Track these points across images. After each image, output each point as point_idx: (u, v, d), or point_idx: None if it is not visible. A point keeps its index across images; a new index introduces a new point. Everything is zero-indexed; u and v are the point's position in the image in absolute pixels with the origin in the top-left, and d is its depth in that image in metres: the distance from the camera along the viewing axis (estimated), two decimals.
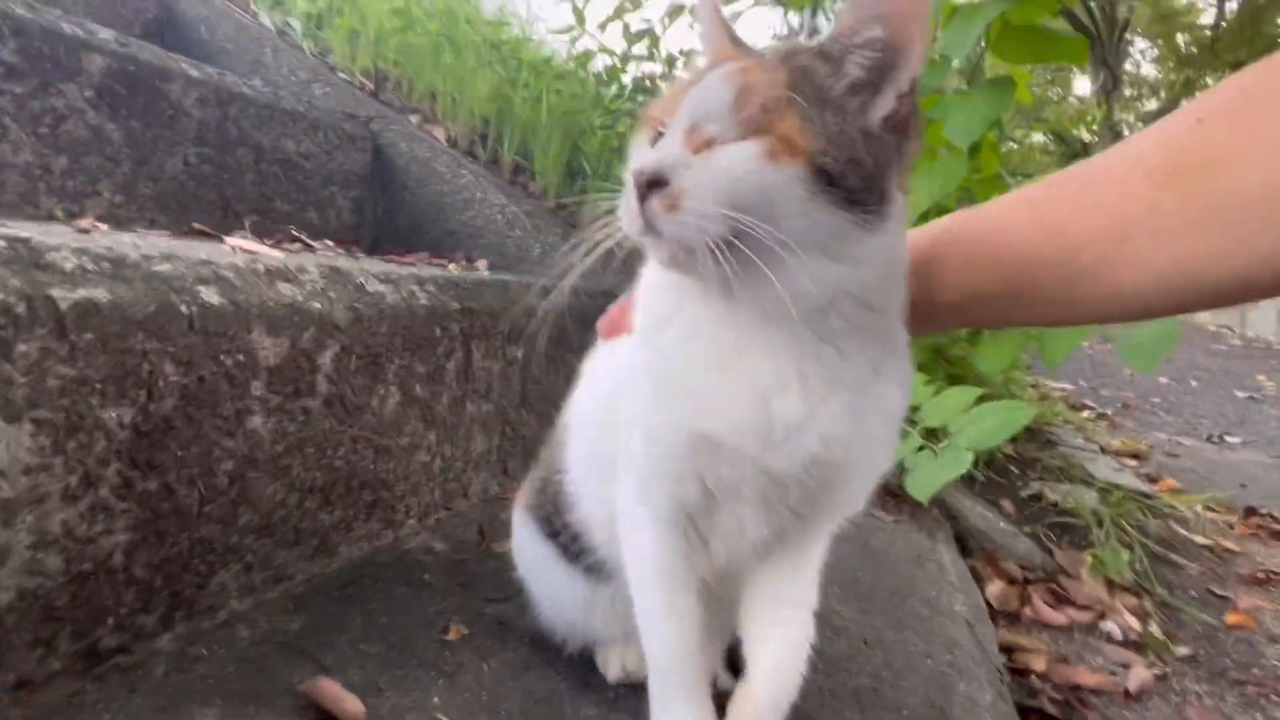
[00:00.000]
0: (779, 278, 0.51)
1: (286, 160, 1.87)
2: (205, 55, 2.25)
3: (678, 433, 0.60)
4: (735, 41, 0.62)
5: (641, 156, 0.55)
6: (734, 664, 0.79)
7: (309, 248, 1.50)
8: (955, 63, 1.71)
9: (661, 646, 0.66)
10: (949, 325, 0.72)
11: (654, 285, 0.64)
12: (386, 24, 2.49)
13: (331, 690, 0.69)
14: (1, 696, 0.61)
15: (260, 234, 1.51)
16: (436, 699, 0.74)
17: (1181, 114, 0.57)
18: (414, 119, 2.37)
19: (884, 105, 0.54)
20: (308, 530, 0.93)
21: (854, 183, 0.52)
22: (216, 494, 0.79)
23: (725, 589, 0.71)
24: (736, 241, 0.50)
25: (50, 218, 1.30)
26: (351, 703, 0.68)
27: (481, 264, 1.93)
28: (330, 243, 1.67)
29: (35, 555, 0.63)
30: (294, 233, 1.61)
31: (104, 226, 1.20)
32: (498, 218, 2.13)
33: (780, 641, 0.66)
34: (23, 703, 0.62)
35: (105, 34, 1.44)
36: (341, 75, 2.39)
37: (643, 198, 0.52)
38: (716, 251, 0.50)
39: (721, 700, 0.68)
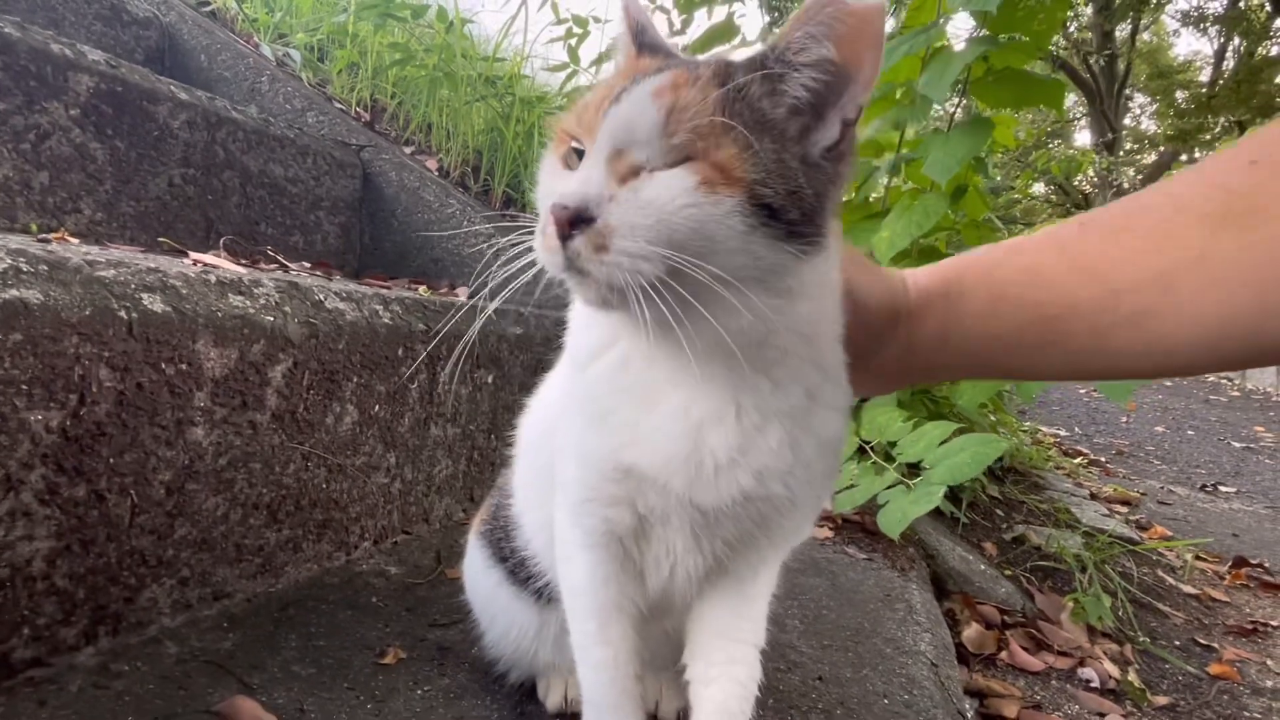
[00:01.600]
0: (716, 314, 0.47)
1: (273, 184, 1.89)
2: (204, 82, 2.30)
3: (606, 462, 0.58)
4: (653, 46, 0.57)
5: (559, 184, 0.50)
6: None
7: (285, 269, 1.51)
8: (935, 105, 1.73)
9: (594, 672, 0.64)
10: (963, 372, 0.67)
11: (584, 314, 0.61)
12: (385, 57, 2.54)
13: (249, 710, 0.67)
14: None
15: (238, 255, 1.52)
16: None
17: (1231, 156, 0.53)
18: (408, 150, 2.40)
19: (828, 134, 0.50)
20: (251, 547, 0.91)
21: (794, 215, 0.48)
22: (151, 505, 0.77)
23: (667, 619, 0.69)
24: (670, 280, 0.46)
25: (24, 231, 1.31)
26: None
27: (462, 292, 1.94)
28: (308, 265, 1.68)
29: None
30: (270, 253, 1.62)
31: (74, 241, 1.21)
32: (484, 247, 2.14)
33: (726, 680, 0.63)
34: None
35: (95, 55, 1.47)
36: (338, 105, 2.43)
37: (564, 235, 0.46)
38: (650, 290, 0.46)
39: None
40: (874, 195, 2.12)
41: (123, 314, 0.72)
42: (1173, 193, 0.54)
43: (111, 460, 0.73)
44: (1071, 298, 0.55)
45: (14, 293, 0.63)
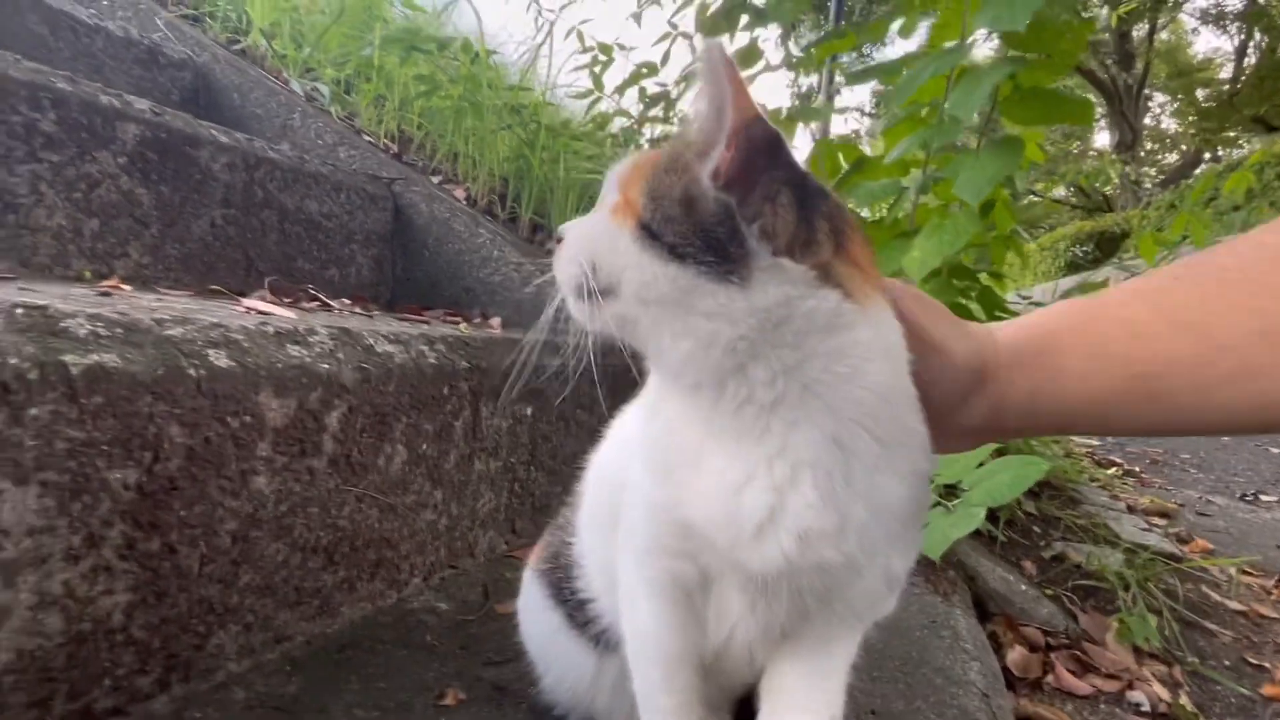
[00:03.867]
0: (655, 336, 0.56)
1: (309, 220, 1.93)
2: (237, 120, 2.35)
3: (668, 515, 0.59)
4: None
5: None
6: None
7: (326, 306, 1.54)
8: (962, 123, 1.74)
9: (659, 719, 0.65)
10: (1053, 430, 0.66)
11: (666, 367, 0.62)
12: (411, 89, 2.59)
13: None
14: None
15: (280, 293, 1.55)
16: None
17: None
18: (435, 179, 2.44)
19: (710, 161, 0.54)
20: (310, 590, 0.93)
21: (671, 238, 0.54)
22: (218, 554, 0.80)
23: (730, 674, 0.68)
24: (610, 303, 0.56)
25: (78, 279, 1.35)
26: None
27: (496, 321, 1.96)
28: (348, 300, 1.71)
29: (35, 616, 0.63)
30: (312, 291, 1.65)
31: (128, 288, 1.24)
32: (514, 275, 2.17)
33: None
34: None
35: (141, 104, 1.52)
36: (366, 138, 2.48)
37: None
38: (592, 300, 0.56)
39: None
40: (902, 214, 2.12)
41: (191, 371, 0.75)
42: (1266, 242, 0.53)
43: (182, 513, 0.75)
44: (1172, 354, 0.54)
45: (95, 358, 0.66)
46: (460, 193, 2.45)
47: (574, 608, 0.76)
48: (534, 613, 0.82)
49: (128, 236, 1.50)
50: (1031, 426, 0.63)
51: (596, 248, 0.57)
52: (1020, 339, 0.60)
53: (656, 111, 2.72)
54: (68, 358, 0.64)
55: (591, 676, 0.76)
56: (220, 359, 0.78)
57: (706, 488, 0.56)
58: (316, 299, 1.56)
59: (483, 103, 2.55)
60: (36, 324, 0.64)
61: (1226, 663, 1.63)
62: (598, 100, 2.67)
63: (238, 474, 0.81)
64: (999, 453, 1.53)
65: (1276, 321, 0.50)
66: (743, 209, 0.53)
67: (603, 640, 0.74)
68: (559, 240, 0.61)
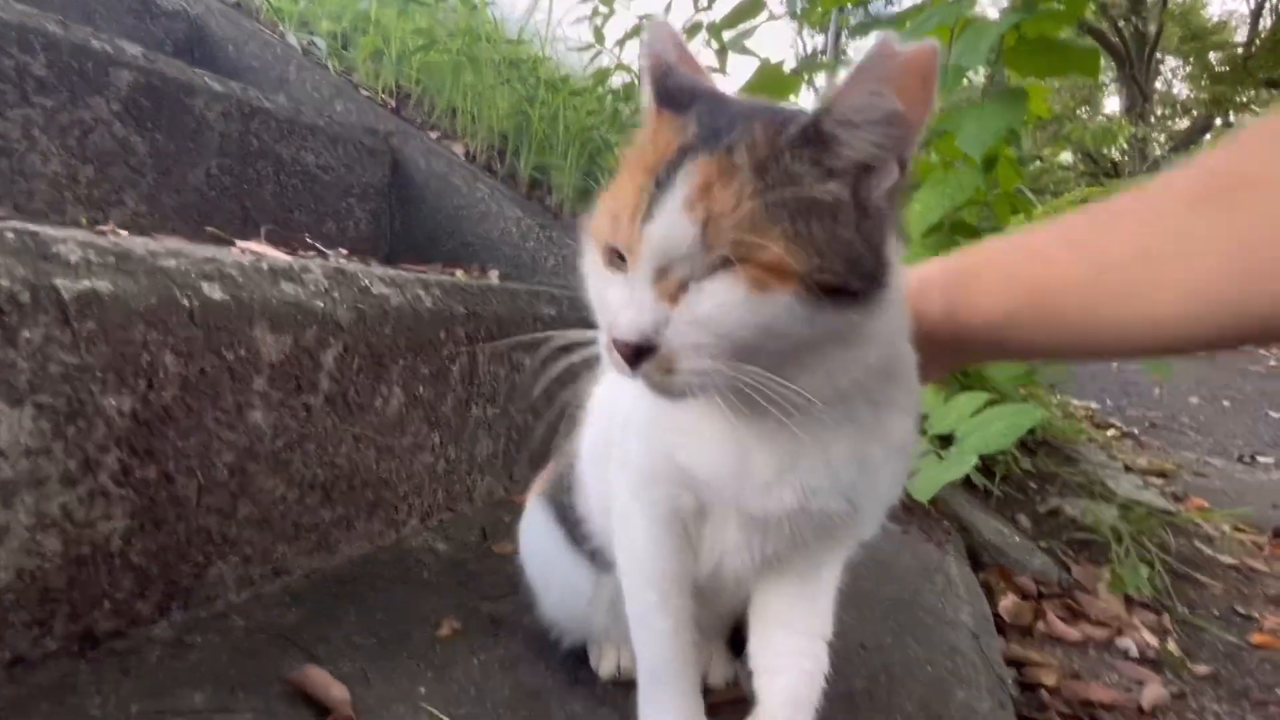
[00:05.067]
0: (793, 379, 0.48)
1: (306, 173, 1.92)
2: (232, 72, 2.32)
3: (666, 456, 0.60)
4: (675, 95, 0.52)
5: (610, 297, 0.51)
6: (734, 643, 0.79)
7: (323, 255, 1.54)
8: (966, 74, 1.71)
9: (651, 643, 0.66)
10: (982, 353, 0.68)
11: None
12: (409, 43, 2.55)
13: (318, 678, 0.70)
14: None
15: (276, 242, 1.55)
16: (423, 689, 0.74)
17: (1223, 144, 0.54)
18: (434, 135, 2.42)
19: (888, 178, 0.49)
20: (308, 526, 0.94)
21: (857, 284, 0.47)
22: (215, 485, 0.80)
23: (722, 596, 0.69)
24: (745, 377, 0.47)
25: (74, 225, 1.35)
26: (338, 689, 0.69)
27: (494, 274, 1.96)
28: (345, 252, 1.70)
29: (34, 536, 0.64)
30: (309, 241, 1.65)
31: (124, 233, 1.24)
32: (513, 230, 2.16)
33: (794, 672, 0.63)
34: (17, 680, 0.64)
35: (133, 49, 1.50)
36: (364, 92, 2.45)
37: (633, 363, 0.48)
38: (724, 389, 0.48)
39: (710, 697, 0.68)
40: None
41: (185, 302, 0.75)
42: (1167, 179, 0.56)
43: (179, 443, 0.76)
44: (1065, 274, 0.57)
45: (87, 283, 0.66)
46: (459, 148, 2.43)
47: (574, 526, 0.76)
48: (536, 533, 0.83)
49: (123, 184, 1.49)
50: (952, 349, 0.64)
51: (741, 339, 0.47)
52: (948, 269, 0.64)
53: None
54: (59, 281, 0.64)
55: (589, 594, 0.77)
56: (214, 291, 0.78)
57: (713, 440, 0.57)
58: (313, 248, 1.56)
59: (481, 57, 2.51)
60: (28, 247, 0.64)
61: (1216, 612, 1.65)
62: (598, 54, 2.63)
63: (234, 407, 0.81)
64: (991, 404, 1.54)
65: (1153, 243, 0.53)
66: (894, 215, 0.50)
67: (599, 559, 0.75)
68: (627, 346, 0.47)
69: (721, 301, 0.46)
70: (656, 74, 0.53)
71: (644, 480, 0.63)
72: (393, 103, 2.51)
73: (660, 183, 0.47)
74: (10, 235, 0.63)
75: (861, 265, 0.47)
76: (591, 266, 0.54)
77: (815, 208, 0.46)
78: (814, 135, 0.47)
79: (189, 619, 0.79)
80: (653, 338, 0.47)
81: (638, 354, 0.47)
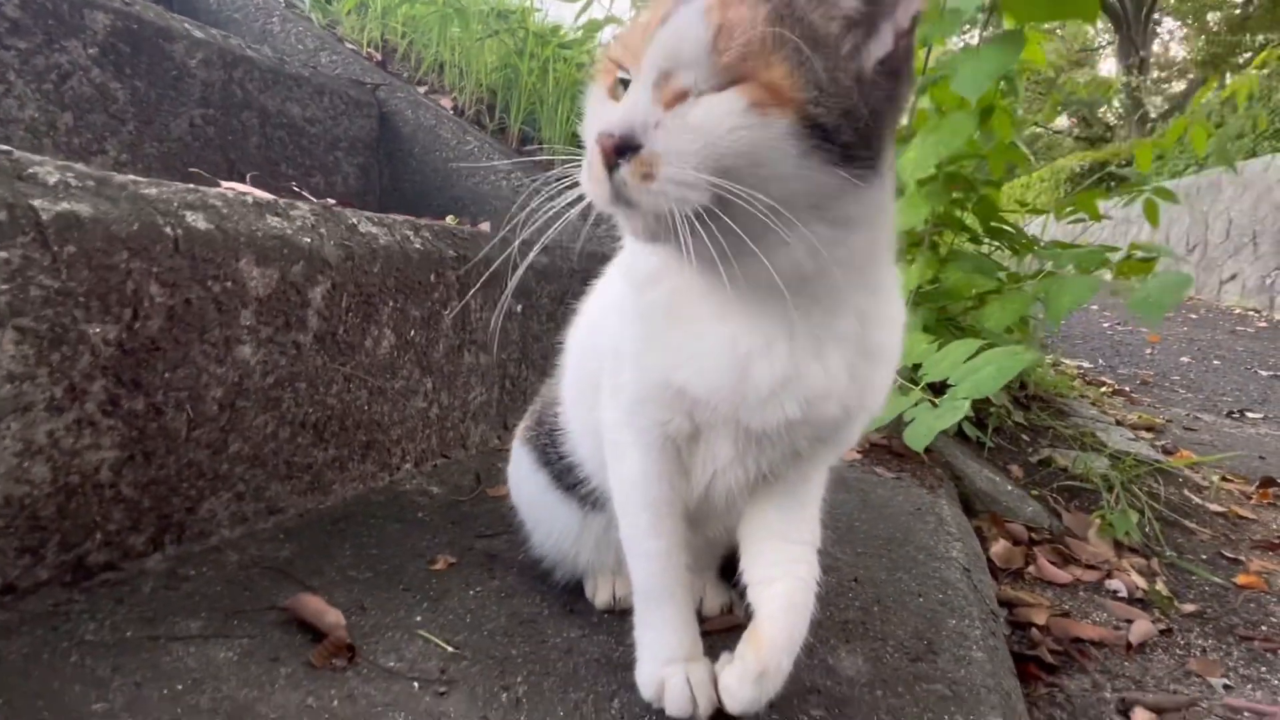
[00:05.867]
0: (766, 249, 0.47)
1: (292, 124, 1.88)
2: (214, 24, 2.26)
3: (660, 378, 0.60)
4: None
5: (604, 114, 0.50)
6: (724, 572, 0.81)
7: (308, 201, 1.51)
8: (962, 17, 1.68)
9: (647, 562, 0.66)
10: None
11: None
12: None
13: (313, 604, 0.70)
14: None
15: (262, 189, 1.52)
16: (419, 618, 0.74)
17: None
18: (421, 89, 2.38)
19: (882, 46, 0.48)
20: (301, 465, 0.93)
21: (849, 137, 0.47)
22: (205, 420, 0.80)
23: (708, 524, 0.70)
24: (719, 211, 0.46)
25: None
26: (333, 615, 0.69)
27: (485, 226, 1.93)
28: (333, 203, 1.68)
29: (21, 463, 0.64)
30: (295, 189, 1.62)
31: None
32: (503, 184, 2.13)
33: (789, 578, 0.64)
34: (8, 607, 0.64)
35: None
36: (349, 45, 2.40)
37: (611, 165, 0.46)
38: (697, 222, 0.46)
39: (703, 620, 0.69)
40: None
41: (169, 230, 0.73)
42: None
43: (166, 375, 0.75)
44: None
45: (65, 205, 0.64)
46: (447, 102, 2.39)
47: (560, 470, 0.77)
48: (524, 477, 0.83)
49: (104, 132, 1.46)
50: None
51: (727, 157, 0.46)
52: None
53: None
54: (37, 202, 0.62)
55: (576, 532, 0.78)
56: (198, 221, 0.77)
57: (710, 357, 0.56)
58: (300, 196, 1.53)
59: (468, 8, 2.46)
60: (3, 167, 0.62)
61: (1203, 557, 1.67)
62: (589, 4, 2.58)
63: (221, 340, 0.80)
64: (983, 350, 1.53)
65: None
66: (895, 103, 0.50)
67: (588, 499, 0.75)
68: (610, 138, 0.46)
69: (719, 111, 0.46)
70: None
71: (637, 407, 0.63)
72: (378, 56, 2.46)
73: (681, 2, 0.48)
74: None
75: (856, 119, 0.47)
76: (592, 97, 0.53)
77: (818, 44, 0.47)
78: None
79: (182, 553, 0.79)
80: (639, 135, 0.46)
81: (619, 151, 0.46)
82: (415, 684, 0.64)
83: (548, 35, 2.51)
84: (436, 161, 2.17)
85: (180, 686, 0.59)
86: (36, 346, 0.63)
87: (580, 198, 0.51)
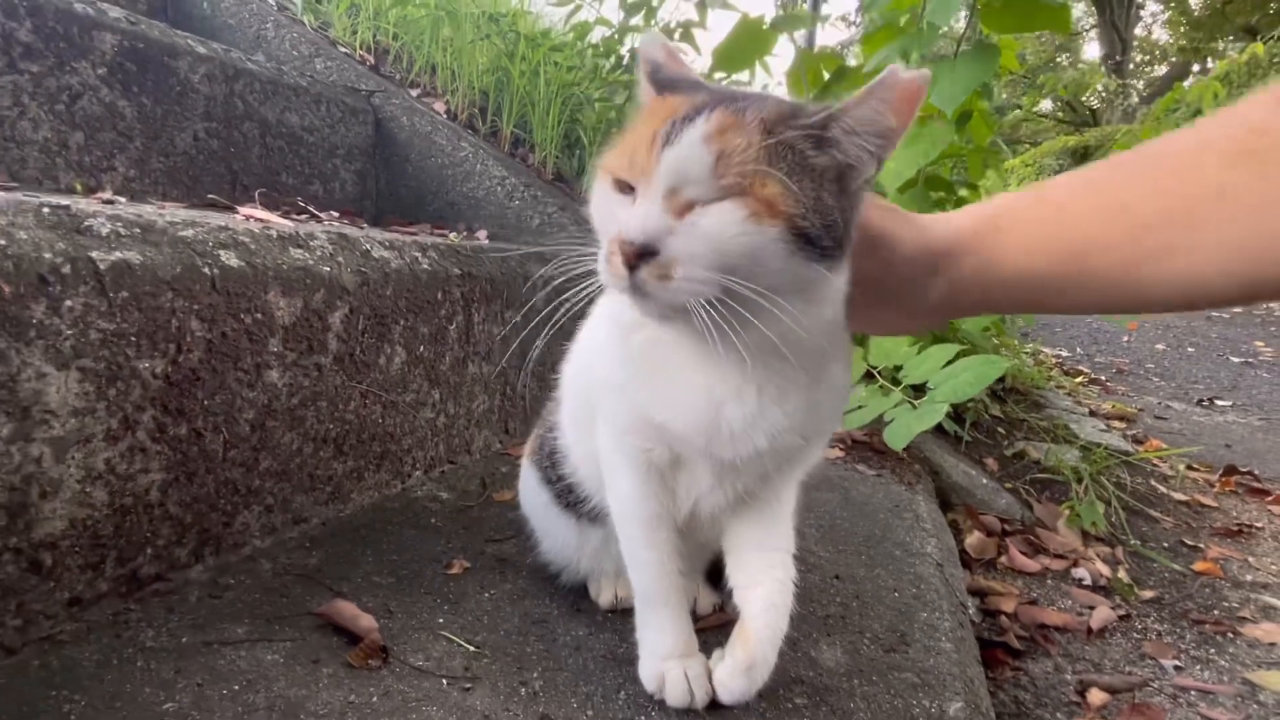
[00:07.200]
0: (761, 320, 0.55)
1: (291, 134, 1.93)
2: (208, 31, 2.30)
3: (641, 414, 0.68)
4: (672, 82, 0.62)
5: (622, 216, 0.56)
6: (712, 577, 0.89)
7: (316, 218, 1.57)
8: (940, 30, 1.75)
9: (643, 572, 0.74)
10: (1004, 308, 0.72)
11: None
12: None
13: (347, 609, 0.77)
14: (59, 611, 0.69)
15: (268, 206, 1.58)
16: (441, 620, 0.82)
17: (1262, 96, 0.54)
18: (414, 92, 2.42)
19: (869, 171, 0.58)
20: (322, 477, 1.01)
21: (828, 242, 0.56)
22: (239, 440, 0.87)
23: (698, 534, 0.78)
24: (725, 297, 0.54)
25: (70, 191, 1.37)
26: (366, 619, 0.76)
27: (482, 234, 1.99)
28: (335, 214, 1.73)
29: (83, 489, 0.70)
30: (301, 204, 1.68)
31: (122, 199, 1.27)
32: (497, 189, 2.19)
33: (768, 584, 0.72)
34: (76, 618, 0.71)
35: (115, 12, 1.50)
36: (342, 49, 2.43)
37: (632, 266, 0.54)
38: (706, 307, 0.54)
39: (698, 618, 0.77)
40: None
41: (206, 270, 0.80)
42: (1200, 131, 0.56)
43: (205, 402, 0.81)
44: (1100, 235, 0.58)
45: (119, 255, 0.71)
46: (440, 106, 2.43)
47: (560, 490, 0.86)
48: (530, 492, 0.92)
49: (113, 149, 1.50)
50: (982, 304, 0.68)
51: (731, 258, 0.54)
52: (968, 224, 0.66)
53: (637, 20, 2.68)
54: (95, 254, 0.69)
55: (576, 544, 0.88)
56: (231, 259, 0.83)
57: (687, 399, 0.65)
58: (305, 211, 1.59)
59: (460, 10, 2.50)
60: (63, 222, 0.68)
61: (1165, 545, 1.77)
62: (578, 8, 2.62)
63: (253, 367, 0.87)
64: (963, 355, 1.62)
65: (1194, 203, 0.54)
66: (861, 202, 0.60)
67: (584, 515, 0.84)
68: (632, 245, 0.54)
69: (723, 221, 0.54)
70: (650, 70, 0.62)
71: (624, 436, 0.72)
72: (371, 59, 2.50)
73: (680, 122, 0.55)
74: (46, 210, 0.68)
75: (834, 230, 0.56)
76: (600, 194, 0.60)
77: (808, 173, 0.56)
78: (821, 128, 0.56)
79: (221, 563, 0.86)
80: (656, 242, 0.54)
81: (640, 255, 0.54)
82: (444, 681, 0.71)
83: (538, 38, 2.56)
84: (432, 167, 2.22)
85: (237, 687, 0.66)
86: (96, 384, 0.70)
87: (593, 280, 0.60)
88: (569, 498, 0.85)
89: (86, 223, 0.70)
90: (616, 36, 2.77)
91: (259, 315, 0.87)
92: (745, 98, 0.58)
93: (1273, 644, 1.32)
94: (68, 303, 0.66)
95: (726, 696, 0.69)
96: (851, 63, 2.35)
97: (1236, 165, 0.52)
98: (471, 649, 0.77)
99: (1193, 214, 0.54)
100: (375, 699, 0.67)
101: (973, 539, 1.62)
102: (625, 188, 0.58)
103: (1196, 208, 0.53)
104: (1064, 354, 4.42)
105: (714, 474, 0.70)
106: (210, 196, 1.49)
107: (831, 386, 0.67)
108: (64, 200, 0.71)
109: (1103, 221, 0.58)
